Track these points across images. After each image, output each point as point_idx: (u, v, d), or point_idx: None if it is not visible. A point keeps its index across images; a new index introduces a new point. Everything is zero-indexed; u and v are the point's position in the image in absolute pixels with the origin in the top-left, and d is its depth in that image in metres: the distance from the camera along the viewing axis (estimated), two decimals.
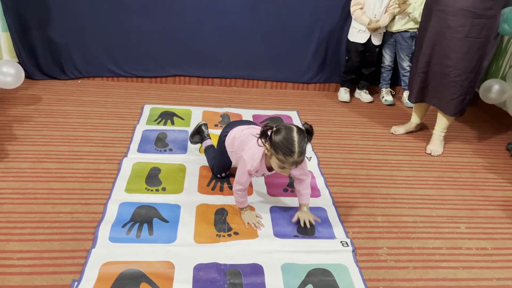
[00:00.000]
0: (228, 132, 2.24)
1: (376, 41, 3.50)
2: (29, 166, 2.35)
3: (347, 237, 2.03)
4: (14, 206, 2.03)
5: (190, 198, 2.22)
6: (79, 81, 3.58)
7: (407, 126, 3.19)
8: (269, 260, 1.85)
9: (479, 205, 2.41)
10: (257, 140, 1.88)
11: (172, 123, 3.04)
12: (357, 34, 3.50)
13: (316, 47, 3.72)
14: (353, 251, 1.94)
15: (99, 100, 3.28)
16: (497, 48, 3.57)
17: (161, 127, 2.97)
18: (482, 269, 1.94)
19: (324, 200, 2.31)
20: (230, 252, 1.88)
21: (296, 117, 3.34)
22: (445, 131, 2.96)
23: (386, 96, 3.74)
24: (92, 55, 3.53)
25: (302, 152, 1.76)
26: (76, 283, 1.65)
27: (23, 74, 2.94)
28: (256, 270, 1.80)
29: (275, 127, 1.82)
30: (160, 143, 2.74)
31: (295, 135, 1.74)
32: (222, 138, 2.28)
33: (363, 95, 3.76)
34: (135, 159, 2.51)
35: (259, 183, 2.39)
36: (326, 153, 2.80)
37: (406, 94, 3.61)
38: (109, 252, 1.82)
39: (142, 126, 2.94)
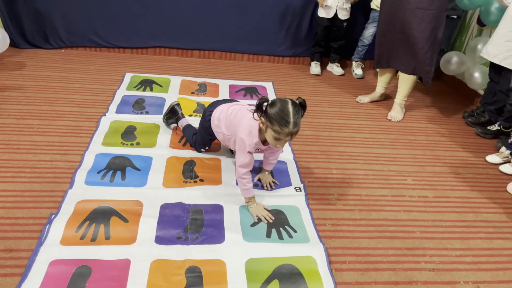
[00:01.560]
0: (212, 111, 2.23)
1: (343, 15, 3.67)
2: (13, 122, 2.53)
3: (301, 182, 2.25)
4: None
5: (161, 152, 2.42)
6: (63, 50, 3.74)
7: (371, 96, 3.41)
8: (229, 202, 2.07)
9: (428, 163, 2.64)
10: (253, 114, 1.89)
11: (151, 90, 3.22)
12: (324, 10, 3.68)
13: (290, 21, 3.91)
14: (305, 195, 2.17)
15: (82, 67, 3.44)
16: (461, 24, 3.78)
17: (140, 93, 3.14)
18: (421, 212, 2.18)
19: (286, 155, 2.52)
20: (195, 194, 2.09)
21: (271, 87, 3.53)
22: (405, 99, 3.18)
23: (356, 69, 3.94)
24: (75, 25, 3.68)
25: (297, 123, 1.78)
26: (53, 215, 1.85)
27: (8, 39, 3.09)
28: (217, 209, 2.02)
29: (270, 100, 1.84)
30: (138, 106, 2.93)
31: (290, 107, 1.77)
32: (206, 118, 2.26)
33: (335, 68, 3.96)
34: (113, 118, 2.70)
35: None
36: None
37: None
38: (84, 192, 2.02)
39: (122, 92, 3.12)
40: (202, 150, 2.43)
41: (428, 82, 2.99)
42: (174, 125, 2.61)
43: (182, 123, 2.54)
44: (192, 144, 2.44)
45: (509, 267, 1.88)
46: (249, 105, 2.18)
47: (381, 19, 3.05)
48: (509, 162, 2.67)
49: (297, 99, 1.84)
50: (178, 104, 2.63)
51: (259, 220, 1.96)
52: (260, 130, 1.93)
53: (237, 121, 2.03)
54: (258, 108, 1.85)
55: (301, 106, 1.82)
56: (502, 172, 2.61)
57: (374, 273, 1.76)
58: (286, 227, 1.96)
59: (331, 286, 1.66)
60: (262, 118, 1.85)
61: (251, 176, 2.02)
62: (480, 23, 3.38)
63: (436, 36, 2.86)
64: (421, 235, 2.02)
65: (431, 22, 2.78)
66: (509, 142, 2.71)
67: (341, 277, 1.72)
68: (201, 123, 2.35)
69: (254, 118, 1.90)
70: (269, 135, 1.84)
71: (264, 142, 1.99)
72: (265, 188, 2.20)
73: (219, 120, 2.16)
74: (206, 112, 2.28)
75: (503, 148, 2.74)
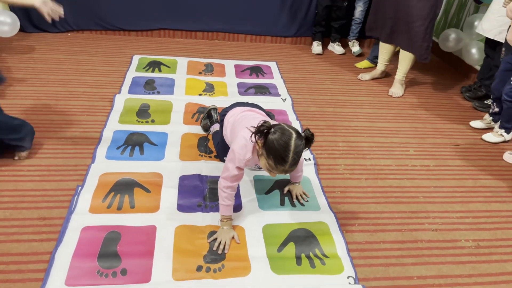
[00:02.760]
0: (227, 111, 2.09)
1: None
2: (30, 103, 2.62)
3: (311, 153, 2.37)
4: None
5: (176, 128, 2.53)
6: (69, 34, 3.79)
7: (373, 73, 3.51)
8: (244, 173, 2.18)
9: (429, 135, 2.77)
10: (251, 136, 1.66)
11: (160, 71, 3.30)
12: None
13: (291, 2, 3.98)
14: (315, 164, 2.29)
15: (90, 50, 3.51)
16: (458, 2, 3.87)
17: (149, 74, 3.23)
18: (423, 180, 2.31)
19: None
20: (211, 166, 2.21)
21: (275, 66, 3.62)
22: (405, 75, 3.29)
23: (353, 48, 4.04)
24: (81, 9, 3.73)
25: (295, 163, 1.59)
26: (79, 187, 1.97)
27: (18, 23, 3.16)
28: None
29: (273, 127, 1.61)
30: (149, 86, 3.02)
31: (292, 144, 1.55)
32: (221, 117, 2.13)
33: (336, 48, 4.05)
34: (127, 95, 2.80)
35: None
36: (298, 95, 3.11)
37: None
38: (107, 166, 2.13)
39: (132, 73, 3.20)
40: (225, 158, 1.88)
41: (427, 58, 3.10)
42: (216, 126, 2.37)
43: (213, 128, 2.38)
44: (217, 151, 2.26)
45: (507, 227, 2.03)
46: (266, 114, 2.08)
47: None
48: (491, 128, 2.84)
49: (304, 131, 1.63)
50: (215, 109, 2.47)
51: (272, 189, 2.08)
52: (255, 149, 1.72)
53: (238, 130, 1.83)
54: (258, 132, 1.62)
55: (306, 140, 1.61)
56: (484, 140, 2.76)
57: (382, 233, 1.90)
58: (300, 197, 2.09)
59: (343, 246, 1.80)
60: (258, 143, 1.63)
61: (234, 194, 1.78)
62: (477, 0, 3.47)
63: (435, 12, 2.96)
64: (424, 200, 2.16)
65: (430, 0, 2.88)
66: (490, 111, 2.88)
67: (351, 238, 1.86)
68: (220, 126, 2.19)
69: (251, 140, 1.67)
70: (263, 162, 1.65)
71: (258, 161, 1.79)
72: (294, 200, 2.03)
73: (228, 123, 2.01)
74: (222, 112, 2.15)
75: (487, 115, 2.92)
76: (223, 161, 2.13)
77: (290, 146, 1.55)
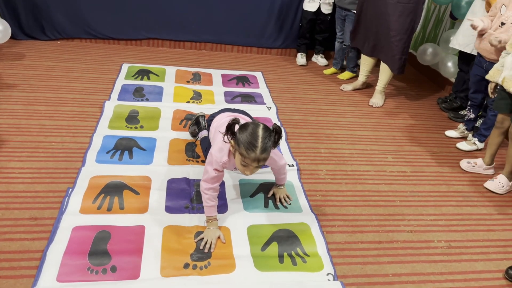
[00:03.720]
0: (214, 117, 2.18)
1: (326, 9, 3.88)
2: (21, 108, 2.67)
3: (294, 160, 2.48)
4: (10, 137, 2.37)
5: (164, 134, 2.61)
6: (59, 42, 3.86)
7: (354, 84, 3.66)
8: (230, 177, 2.28)
9: (406, 143, 2.91)
10: (223, 136, 1.77)
11: (148, 79, 3.39)
12: (308, 3, 3.90)
13: (277, 15, 4.13)
14: (297, 170, 2.40)
15: (79, 58, 3.58)
16: (435, 18, 4.07)
17: (138, 81, 3.31)
18: (400, 185, 2.44)
19: None
20: (198, 170, 2.29)
21: (260, 76, 3.75)
22: (385, 86, 3.45)
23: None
24: (71, 17, 3.80)
25: (265, 149, 1.66)
26: (70, 189, 2.03)
27: (10, 30, 3.21)
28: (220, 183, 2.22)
29: (242, 123, 1.74)
30: (138, 94, 3.10)
31: (260, 131, 1.67)
32: (209, 122, 2.22)
33: (320, 59, 4.19)
34: (116, 102, 2.88)
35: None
36: (283, 103, 3.23)
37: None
38: (97, 169, 2.20)
39: (121, 81, 3.28)
40: None
41: (403, 70, 3.27)
42: (204, 132, 2.45)
43: (201, 134, 2.45)
44: (205, 157, 2.22)
45: (477, 229, 2.15)
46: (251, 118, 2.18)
47: (361, 9, 3.30)
48: (465, 138, 3.01)
49: (272, 125, 1.74)
50: (203, 116, 2.56)
51: (256, 192, 2.18)
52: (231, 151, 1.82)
53: (216, 136, 1.94)
54: (229, 130, 1.73)
55: (275, 133, 1.71)
56: (458, 148, 2.92)
57: (360, 234, 2.01)
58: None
59: (323, 245, 1.90)
60: (232, 141, 1.74)
61: (216, 195, 1.87)
62: (452, 16, 3.66)
63: (413, 27, 3.13)
64: (400, 203, 2.27)
65: (410, 15, 3.05)
66: (465, 119, 3.04)
67: (331, 238, 1.96)
68: (208, 129, 2.28)
69: (224, 140, 1.77)
70: (237, 159, 1.74)
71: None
72: (277, 202, 2.12)
73: (212, 127, 2.11)
74: (209, 117, 2.25)
75: (461, 125, 3.08)
76: None
77: (258, 132, 1.67)
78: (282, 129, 2.81)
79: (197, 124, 2.53)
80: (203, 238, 1.83)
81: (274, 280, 1.69)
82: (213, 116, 2.19)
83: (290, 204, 2.14)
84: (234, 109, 2.30)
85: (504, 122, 2.47)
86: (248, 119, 2.12)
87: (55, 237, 1.74)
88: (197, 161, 2.39)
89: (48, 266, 1.61)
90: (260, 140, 1.65)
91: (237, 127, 1.75)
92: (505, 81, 2.32)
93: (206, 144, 2.27)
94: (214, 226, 1.86)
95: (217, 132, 1.95)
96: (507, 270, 1.87)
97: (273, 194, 2.17)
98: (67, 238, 1.75)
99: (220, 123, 2.02)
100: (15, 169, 2.12)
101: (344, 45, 3.82)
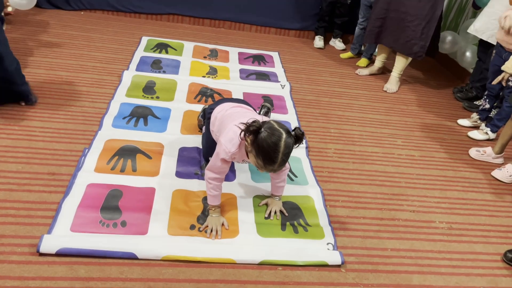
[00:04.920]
0: (213, 108, 2.07)
1: None
2: (43, 72, 2.77)
3: (304, 138, 2.52)
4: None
5: (179, 105, 2.68)
6: (82, 13, 3.94)
7: (370, 69, 3.66)
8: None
9: (417, 128, 2.93)
10: (240, 133, 1.65)
11: (167, 52, 3.45)
12: None
13: None
14: (306, 147, 2.45)
15: (101, 28, 3.67)
16: (458, 7, 4.02)
17: (156, 54, 3.38)
18: (407, 167, 2.47)
19: (290, 116, 2.79)
20: None
21: (277, 56, 3.77)
22: (401, 73, 3.44)
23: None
24: None
25: (283, 163, 1.60)
26: (86, 150, 2.12)
27: None
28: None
29: (263, 127, 1.59)
30: (155, 65, 3.17)
31: (282, 144, 1.55)
32: (208, 115, 2.12)
33: (337, 43, 4.19)
34: (134, 72, 2.96)
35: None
36: (297, 83, 3.27)
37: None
38: (112, 133, 2.29)
39: (140, 52, 3.35)
40: (210, 158, 1.88)
41: (422, 55, 3.24)
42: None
43: (204, 129, 2.30)
44: (203, 152, 2.21)
45: (479, 214, 2.18)
46: (255, 111, 2.07)
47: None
48: (477, 127, 3.00)
49: (294, 130, 1.63)
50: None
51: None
52: (244, 144, 1.71)
53: (226, 125, 1.83)
54: (249, 131, 1.61)
55: (296, 139, 1.63)
56: (469, 137, 2.92)
57: (363, 210, 2.06)
58: (289, 172, 2.24)
59: (325, 217, 1.96)
60: (248, 140, 1.63)
61: (221, 185, 1.82)
62: (475, 6, 3.61)
63: (434, 13, 3.10)
64: (405, 185, 2.31)
65: (431, 1, 3.02)
66: (480, 108, 3.02)
67: (334, 212, 2.01)
68: (205, 123, 2.20)
69: (240, 137, 1.68)
70: (252, 160, 1.66)
71: (245, 156, 1.77)
72: (267, 216, 1.91)
73: (216, 119, 1.99)
74: (208, 109, 2.14)
75: (474, 114, 3.07)
76: (208, 161, 2.01)
77: (279, 147, 1.55)
78: (294, 110, 2.85)
79: (204, 116, 2.37)
80: (207, 226, 1.79)
81: (274, 245, 1.76)
82: (212, 107, 2.10)
83: (286, 216, 1.93)
84: (234, 98, 2.22)
85: None
86: (251, 110, 2.04)
87: (71, 192, 1.84)
88: None
89: (63, 217, 1.71)
90: (280, 155, 1.56)
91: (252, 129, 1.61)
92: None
93: (205, 139, 2.18)
94: (217, 213, 1.83)
95: (226, 122, 1.85)
96: (506, 253, 1.90)
97: (266, 205, 1.98)
98: (82, 193, 1.85)
99: (225, 114, 1.93)
100: (36, 128, 2.22)
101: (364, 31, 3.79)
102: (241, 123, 1.67)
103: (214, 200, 1.83)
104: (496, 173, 2.50)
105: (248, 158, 1.72)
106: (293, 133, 1.62)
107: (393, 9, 3.16)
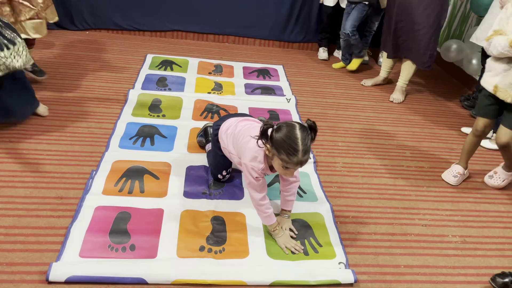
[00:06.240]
0: (220, 125, 2.07)
1: (344, 4, 3.84)
2: (50, 94, 2.79)
3: (311, 152, 2.50)
4: (39, 120, 2.48)
5: (185, 123, 2.68)
6: (87, 32, 3.98)
7: (375, 79, 3.65)
8: None
9: (425, 139, 2.90)
10: (257, 141, 1.70)
11: (172, 69, 3.47)
12: None
13: (299, 9, 4.16)
14: (314, 162, 2.43)
15: (106, 48, 3.70)
16: (462, 14, 4.00)
17: (162, 72, 3.39)
18: (417, 180, 2.44)
19: None
20: None
21: (281, 70, 3.77)
22: (407, 82, 3.42)
23: (364, 56, 4.17)
24: (99, 8, 3.92)
25: (307, 151, 1.61)
26: (94, 172, 2.12)
27: None
28: (236, 171, 2.28)
29: (276, 124, 1.66)
30: (161, 83, 3.18)
31: (298, 132, 1.59)
32: (214, 132, 2.10)
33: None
34: (140, 90, 2.97)
35: None
36: (302, 96, 3.26)
37: (381, 54, 4.05)
38: (119, 154, 2.29)
39: (145, 70, 3.37)
40: (220, 176, 2.10)
41: (430, 66, 3.23)
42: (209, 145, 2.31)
43: (208, 146, 2.31)
44: (211, 169, 2.20)
45: (493, 226, 2.14)
46: (260, 120, 2.04)
47: (388, 9, 3.28)
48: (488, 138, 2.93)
49: (306, 121, 1.65)
50: (211, 126, 2.31)
51: (273, 182, 2.21)
52: (266, 156, 1.75)
53: (243, 144, 1.85)
54: (263, 135, 1.66)
55: (310, 129, 1.63)
56: (480, 146, 2.80)
57: (373, 226, 2.03)
58: (297, 189, 2.22)
59: (336, 235, 1.93)
60: (267, 145, 1.67)
61: (269, 201, 1.85)
62: None
63: (440, 22, 3.09)
64: (416, 198, 2.28)
65: (436, 9, 3.02)
66: None
67: (345, 228, 1.98)
68: (211, 141, 2.17)
69: (258, 146, 1.71)
70: (277, 164, 1.68)
71: (272, 168, 1.81)
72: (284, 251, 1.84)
73: (227, 136, 1.99)
74: (214, 126, 2.12)
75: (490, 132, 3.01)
76: (217, 179, 2.14)
77: (296, 134, 1.58)
78: (300, 122, 2.83)
79: (206, 135, 2.38)
80: (286, 248, 1.82)
81: (285, 266, 1.74)
82: (218, 124, 2.09)
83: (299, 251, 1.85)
84: (237, 113, 2.22)
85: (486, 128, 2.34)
86: (258, 123, 1.97)
87: (79, 215, 1.83)
88: None
89: (72, 242, 1.70)
90: (300, 142, 1.58)
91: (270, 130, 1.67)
92: (498, 90, 2.17)
93: (212, 158, 2.18)
94: (281, 232, 1.85)
95: (240, 139, 1.88)
96: (494, 278, 1.75)
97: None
98: (90, 216, 1.84)
99: (236, 132, 1.94)
100: (43, 151, 2.23)
101: (343, 33, 3.68)
102: (256, 135, 1.72)
103: (269, 220, 1.84)
104: (488, 181, 2.48)
105: (271, 171, 1.80)
106: (305, 124, 1.64)
107: (402, 19, 3.16)
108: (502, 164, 2.46)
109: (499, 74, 2.15)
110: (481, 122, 2.32)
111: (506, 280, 1.72)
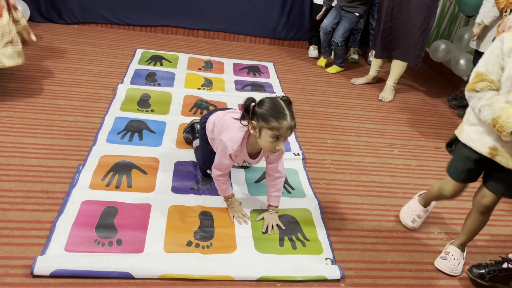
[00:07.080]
0: (207, 118, 2.09)
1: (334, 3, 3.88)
2: (37, 87, 2.75)
3: (300, 149, 2.52)
4: (26, 114, 2.45)
5: (174, 118, 2.67)
6: (76, 26, 3.94)
7: (365, 78, 3.67)
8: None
9: (413, 137, 2.93)
10: (240, 120, 1.77)
11: (161, 65, 3.44)
12: None
13: (290, 6, 4.17)
14: (303, 159, 2.44)
15: (95, 42, 3.66)
16: (450, 15, 4.05)
17: (151, 67, 3.37)
18: (404, 177, 2.46)
19: None
20: None
21: (272, 67, 3.78)
22: (396, 81, 3.45)
23: (353, 54, 4.20)
24: (88, 2, 3.88)
25: (293, 117, 1.67)
26: (81, 166, 2.10)
27: (28, 11, 3.30)
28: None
29: (258, 100, 1.71)
30: (150, 78, 3.16)
31: (281, 101, 1.68)
32: (202, 125, 2.12)
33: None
34: (129, 85, 2.95)
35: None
36: (292, 94, 3.26)
37: (371, 53, 4.07)
38: (107, 148, 2.27)
39: (134, 65, 3.34)
40: (208, 171, 2.04)
41: (417, 65, 3.26)
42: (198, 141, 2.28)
43: (195, 143, 2.31)
44: (199, 164, 2.21)
45: None
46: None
47: (380, 9, 3.30)
48: None
49: (281, 97, 1.73)
50: (198, 122, 2.36)
51: (261, 179, 2.22)
52: (247, 140, 1.81)
53: (226, 126, 1.90)
54: (246, 111, 1.70)
55: (289, 103, 1.73)
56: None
57: (361, 222, 2.04)
58: (285, 184, 2.22)
59: (323, 231, 1.94)
60: (253, 122, 1.70)
61: (227, 178, 1.92)
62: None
63: (428, 24, 3.12)
64: (403, 195, 2.30)
65: (425, 11, 3.05)
66: None
67: (332, 224, 1.99)
68: (200, 134, 2.20)
69: (242, 124, 1.76)
70: (265, 138, 1.68)
71: (253, 154, 1.87)
72: (264, 230, 1.89)
73: (214, 126, 2.02)
74: (202, 119, 2.16)
75: None
76: (206, 175, 2.14)
77: (280, 103, 1.67)
78: None
79: (193, 131, 2.37)
80: (235, 217, 1.93)
81: (273, 261, 1.74)
82: (205, 117, 2.12)
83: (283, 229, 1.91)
84: (225, 108, 2.24)
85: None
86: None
87: (65, 210, 1.81)
88: None
89: (57, 236, 1.68)
90: (285, 108, 1.66)
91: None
92: (499, 154, 1.56)
93: (200, 153, 2.20)
94: (234, 203, 1.96)
95: (224, 124, 1.92)
96: (471, 269, 1.78)
97: (263, 219, 1.96)
98: (76, 211, 1.82)
99: (224, 118, 1.96)
100: (29, 144, 2.20)
101: (332, 41, 3.70)
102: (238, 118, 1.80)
103: (226, 191, 1.94)
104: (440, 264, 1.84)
105: (250, 158, 1.86)
106: (282, 98, 1.73)
107: (394, 18, 3.18)
108: (453, 241, 1.92)
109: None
110: (451, 186, 1.80)
111: (483, 271, 1.76)
